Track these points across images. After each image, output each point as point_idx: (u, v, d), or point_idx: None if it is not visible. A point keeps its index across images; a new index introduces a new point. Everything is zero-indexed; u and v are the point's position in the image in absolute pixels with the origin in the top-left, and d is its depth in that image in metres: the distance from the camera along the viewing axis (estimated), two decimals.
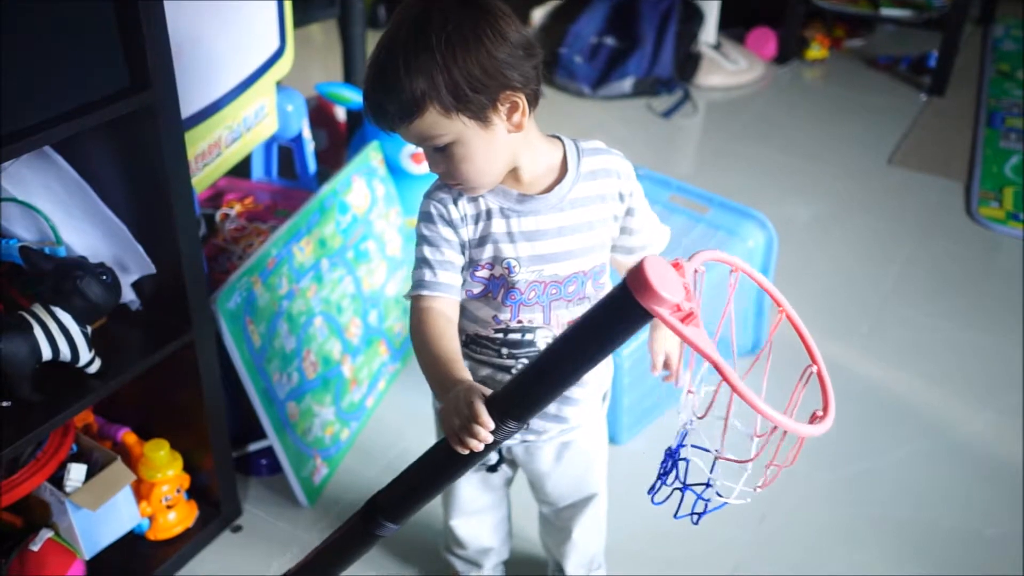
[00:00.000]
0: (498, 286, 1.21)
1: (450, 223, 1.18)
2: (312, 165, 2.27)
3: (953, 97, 3.60)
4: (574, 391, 1.30)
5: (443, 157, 1.13)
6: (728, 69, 3.71)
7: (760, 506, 1.86)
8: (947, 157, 3.17)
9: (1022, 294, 2.50)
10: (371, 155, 2.11)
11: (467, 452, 1.00)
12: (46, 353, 1.36)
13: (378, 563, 1.72)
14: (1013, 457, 1.97)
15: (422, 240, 1.20)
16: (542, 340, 1.24)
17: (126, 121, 1.34)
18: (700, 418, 0.90)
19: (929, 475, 1.94)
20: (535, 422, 1.30)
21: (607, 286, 1.27)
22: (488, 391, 1.01)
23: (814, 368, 0.91)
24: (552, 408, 1.30)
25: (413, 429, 1.99)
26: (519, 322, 1.22)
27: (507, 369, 1.26)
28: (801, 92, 3.73)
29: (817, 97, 3.68)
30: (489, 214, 1.18)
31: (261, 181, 2.27)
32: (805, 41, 3.98)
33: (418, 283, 1.19)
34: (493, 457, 1.38)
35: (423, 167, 2.14)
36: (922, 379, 2.19)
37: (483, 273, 1.21)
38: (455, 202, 1.18)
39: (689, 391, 0.91)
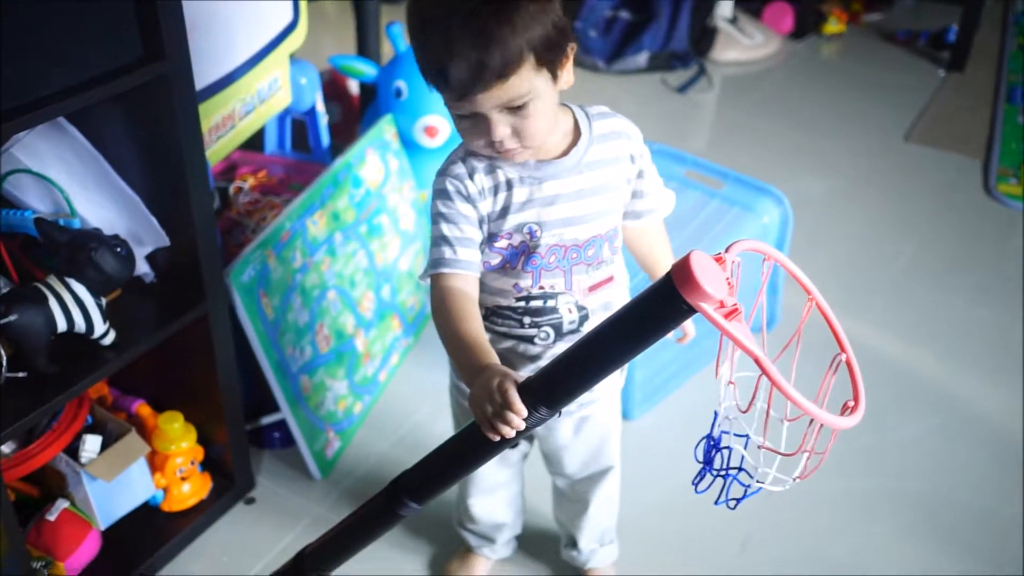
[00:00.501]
0: (517, 256, 1.20)
1: (468, 198, 1.17)
2: (325, 138, 2.27)
3: (972, 73, 3.56)
4: None
5: (516, 118, 1.10)
6: (744, 44, 3.68)
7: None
8: (965, 134, 3.14)
9: None
10: (384, 129, 2.11)
11: (498, 438, 0.99)
12: (61, 325, 1.36)
13: (389, 535, 1.73)
14: None
15: (439, 218, 1.19)
16: (564, 307, 1.24)
17: (140, 92, 1.34)
18: (744, 412, 0.90)
19: (941, 450, 1.93)
20: None
21: (620, 250, 1.27)
22: (521, 377, 1.00)
23: (843, 356, 0.91)
24: None
25: (426, 403, 1.99)
26: (541, 288, 1.22)
27: (529, 339, 1.26)
28: (818, 67, 3.69)
29: (834, 73, 3.65)
30: (509, 184, 1.17)
31: (274, 154, 2.27)
32: (822, 15, 3.94)
33: (437, 261, 1.18)
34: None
35: (436, 141, 2.13)
36: (935, 355, 2.19)
37: (502, 243, 1.20)
38: (471, 176, 1.17)
39: (730, 382, 0.90)
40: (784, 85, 3.52)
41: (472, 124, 1.12)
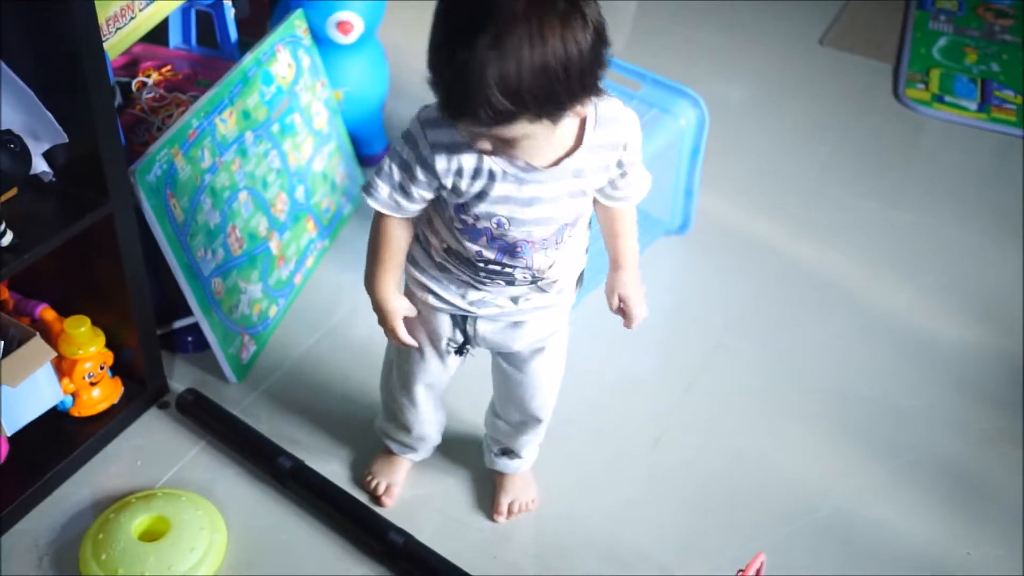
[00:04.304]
0: (481, 233, 1.20)
1: (431, 170, 1.15)
2: (233, 33, 2.17)
3: None
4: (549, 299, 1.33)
5: (501, 145, 1.07)
6: None
7: (685, 376, 1.91)
8: (878, 39, 3.17)
9: (945, 176, 2.55)
10: (295, 24, 2.03)
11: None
12: None
13: (309, 440, 1.73)
14: (931, 332, 2.05)
15: (399, 161, 1.18)
16: (520, 275, 1.25)
17: None
18: None
19: (853, 349, 2.00)
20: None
21: (582, 227, 1.27)
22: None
23: None
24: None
25: (342, 306, 1.98)
26: (502, 261, 1.23)
27: (481, 284, 1.28)
28: None
29: None
30: (491, 175, 1.14)
31: (179, 49, 2.17)
32: None
33: (383, 201, 1.21)
34: (459, 338, 1.39)
35: (350, 37, 2.07)
36: (848, 257, 2.25)
37: (469, 219, 1.19)
38: (452, 151, 1.13)
39: None
40: None
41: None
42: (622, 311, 1.35)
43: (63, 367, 1.63)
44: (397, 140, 1.19)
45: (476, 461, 1.68)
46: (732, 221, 2.30)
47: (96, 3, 1.36)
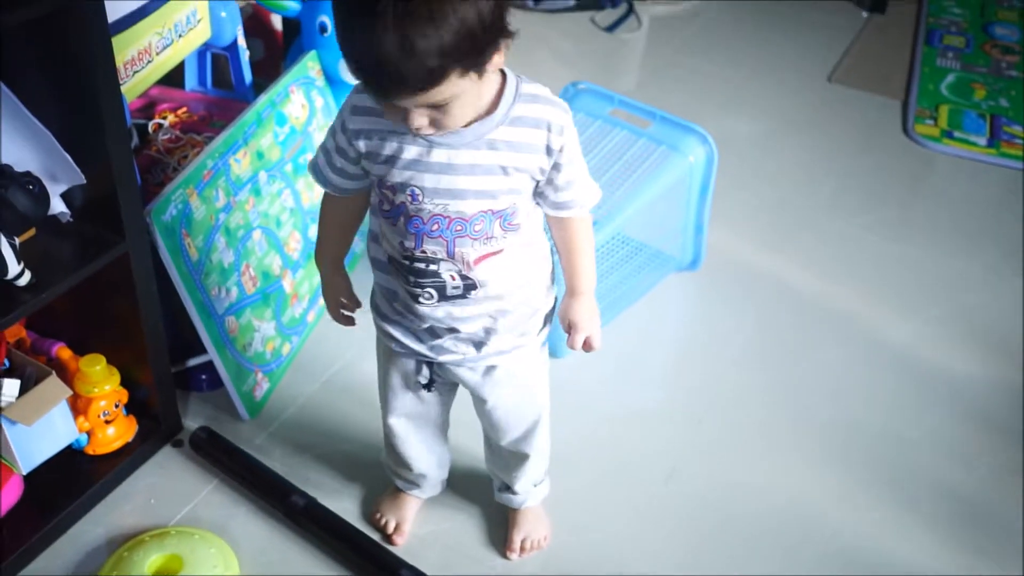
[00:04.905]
0: (399, 213, 1.19)
1: (347, 131, 1.20)
2: (248, 75, 2.21)
3: (893, 14, 3.61)
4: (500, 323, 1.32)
5: (436, 112, 1.07)
6: None
7: (697, 409, 1.91)
8: (886, 75, 3.20)
9: (953, 210, 2.56)
10: (309, 65, 2.06)
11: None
12: None
13: (321, 479, 1.73)
14: (937, 363, 2.05)
15: (330, 127, 1.24)
16: (446, 273, 1.22)
17: (49, 22, 1.28)
18: None
19: (859, 380, 2.00)
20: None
21: (522, 227, 1.23)
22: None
23: None
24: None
25: (355, 344, 1.98)
26: (423, 252, 1.21)
27: (415, 297, 1.26)
28: (745, 7, 3.70)
29: (761, 13, 3.66)
30: (401, 137, 1.15)
31: (195, 91, 2.21)
32: None
33: (316, 169, 1.28)
34: (426, 374, 1.40)
35: None
36: (854, 289, 2.25)
37: (388, 193, 1.19)
38: (364, 114, 1.17)
39: None
40: (711, 25, 3.52)
41: (390, 108, 1.09)
42: (572, 336, 1.36)
43: (78, 405, 1.64)
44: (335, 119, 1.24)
45: (488, 497, 1.68)
46: (741, 255, 2.31)
47: (114, 47, 1.39)
